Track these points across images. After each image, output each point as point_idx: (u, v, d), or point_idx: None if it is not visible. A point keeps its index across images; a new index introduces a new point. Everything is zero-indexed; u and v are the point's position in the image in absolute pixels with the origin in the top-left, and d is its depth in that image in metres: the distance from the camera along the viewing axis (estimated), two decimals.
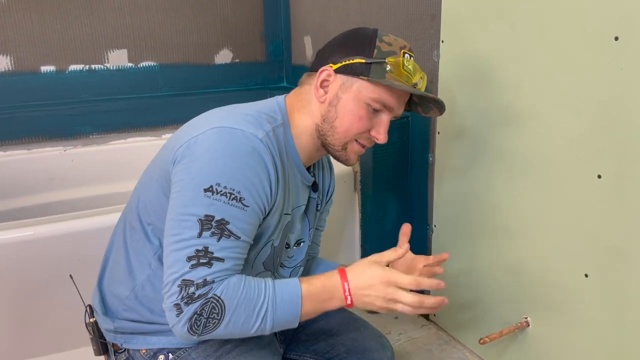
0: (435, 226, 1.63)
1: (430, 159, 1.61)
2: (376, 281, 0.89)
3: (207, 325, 0.83)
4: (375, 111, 0.96)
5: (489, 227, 1.41)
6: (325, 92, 0.96)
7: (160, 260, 0.95)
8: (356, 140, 0.98)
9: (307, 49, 2.25)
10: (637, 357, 1.09)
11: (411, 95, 1.02)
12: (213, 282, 0.83)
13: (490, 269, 1.44)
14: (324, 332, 1.15)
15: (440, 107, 1.02)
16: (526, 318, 1.34)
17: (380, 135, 0.97)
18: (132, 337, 1.01)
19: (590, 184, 1.11)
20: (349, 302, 0.90)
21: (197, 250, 0.83)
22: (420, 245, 1.72)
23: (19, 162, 1.92)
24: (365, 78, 0.93)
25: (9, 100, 1.96)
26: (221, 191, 0.84)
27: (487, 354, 1.51)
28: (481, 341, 1.30)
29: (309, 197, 1.08)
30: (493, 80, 1.32)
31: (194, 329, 0.83)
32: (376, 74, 0.93)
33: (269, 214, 0.93)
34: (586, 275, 1.16)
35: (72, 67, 2.04)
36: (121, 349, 1.02)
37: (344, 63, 0.94)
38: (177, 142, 0.92)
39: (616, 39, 1.02)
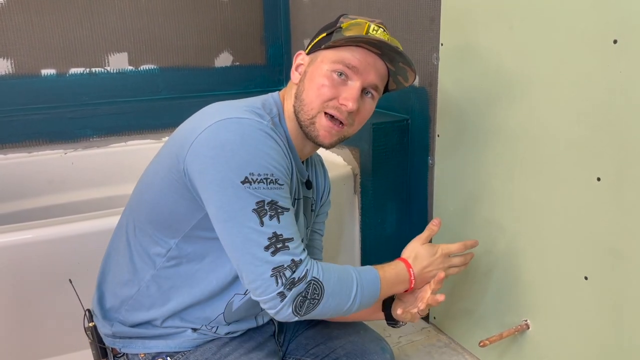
0: None
1: (430, 161, 1.61)
2: (434, 258, 1.07)
3: (309, 306, 0.88)
4: (342, 77, 0.95)
5: (489, 229, 1.41)
6: (300, 74, 1.01)
7: (171, 258, 0.95)
8: (325, 113, 0.96)
9: None
10: (637, 359, 1.09)
11: (388, 69, 1.00)
12: (301, 261, 0.88)
13: (490, 271, 1.44)
14: (324, 335, 1.15)
15: (406, 60, 0.98)
16: (526, 320, 1.34)
17: (348, 102, 0.94)
18: (131, 341, 1.01)
19: (590, 187, 1.12)
20: (412, 285, 1.06)
21: (269, 238, 0.86)
22: None
23: (20, 165, 1.93)
24: (324, 46, 0.97)
25: (9, 103, 1.96)
26: (257, 179, 0.86)
27: (487, 356, 1.50)
28: (481, 344, 1.30)
29: (304, 196, 1.09)
30: (492, 83, 1.32)
31: (297, 310, 0.88)
32: (336, 39, 0.96)
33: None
34: (586, 278, 1.16)
35: (73, 70, 2.05)
36: (120, 353, 1.02)
37: (312, 44, 1.01)
38: (184, 140, 0.90)
39: (615, 41, 1.02)
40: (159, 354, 1.00)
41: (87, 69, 2.07)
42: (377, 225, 1.75)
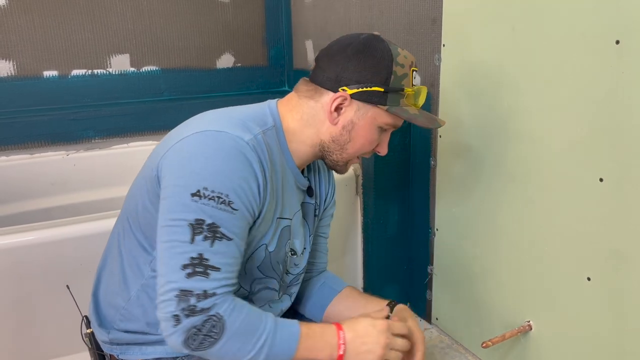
0: (437, 229, 1.63)
1: (432, 162, 1.61)
2: (374, 329, 0.93)
3: (202, 342, 0.81)
4: (384, 130, 0.99)
5: (491, 230, 1.41)
6: (339, 115, 0.95)
7: (154, 269, 0.93)
8: (358, 156, 1.02)
9: (309, 53, 2.26)
10: None
11: None
12: (214, 294, 0.82)
13: (492, 272, 1.43)
14: None
15: (437, 125, 1.03)
16: (529, 321, 1.34)
17: (383, 150, 1.02)
18: (128, 347, 1.00)
19: (592, 188, 1.11)
20: (341, 351, 0.90)
21: (192, 258, 0.81)
22: (422, 248, 1.72)
23: (22, 167, 1.93)
24: (384, 108, 0.94)
25: (11, 105, 1.96)
26: (209, 195, 0.83)
27: (489, 357, 1.50)
28: (484, 345, 1.29)
29: (304, 202, 1.07)
30: (494, 84, 1.32)
31: (189, 342, 0.81)
32: (392, 101, 0.94)
33: (258, 217, 0.92)
34: (589, 279, 1.16)
35: (75, 72, 2.05)
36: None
37: (360, 90, 0.93)
38: (163, 148, 0.91)
39: (617, 42, 1.02)
40: None
41: (89, 71, 2.08)
42: (379, 226, 1.75)
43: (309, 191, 1.08)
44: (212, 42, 2.28)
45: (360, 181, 1.73)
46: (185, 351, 0.83)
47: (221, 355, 0.84)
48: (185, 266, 0.81)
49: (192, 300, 0.80)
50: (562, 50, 1.13)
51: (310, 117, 0.97)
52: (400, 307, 1.08)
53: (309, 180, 1.08)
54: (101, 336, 1.02)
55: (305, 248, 1.09)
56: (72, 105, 2.05)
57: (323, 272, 1.22)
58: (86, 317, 1.07)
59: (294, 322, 0.89)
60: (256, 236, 0.94)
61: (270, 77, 2.43)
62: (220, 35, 2.29)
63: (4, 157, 1.92)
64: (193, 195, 0.83)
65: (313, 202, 1.10)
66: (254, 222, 0.92)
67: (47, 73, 2.01)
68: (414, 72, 0.97)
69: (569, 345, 1.24)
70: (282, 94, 1.00)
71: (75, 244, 1.34)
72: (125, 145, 2.11)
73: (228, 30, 2.31)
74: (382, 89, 0.92)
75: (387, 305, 1.08)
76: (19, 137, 1.95)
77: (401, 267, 1.81)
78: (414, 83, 0.97)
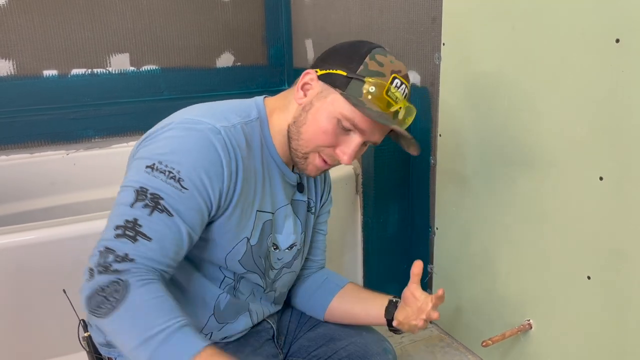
0: (437, 228, 1.63)
1: (432, 161, 1.61)
2: None
3: (100, 305, 0.77)
4: (346, 129, 0.91)
5: (491, 229, 1.41)
6: (305, 95, 0.94)
7: None
8: (319, 154, 0.94)
9: (309, 52, 2.26)
10: None
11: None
12: (132, 260, 0.79)
13: (492, 271, 1.43)
14: (326, 337, 1.14)
15: (415, 146, 0.97)
16: (529, 320, 1.34)
17: (345, 156, 0.92)
18: None
19: (592, 186, 1.11)
20: None
21: (127, 221, 0.81)
22: (422, 247, 1.72)
23: (21, 166, 1.93)
24: (340, 92, 0.89)
25: (11, 104, 1.96)
26: (161, 169, 0.83)
27: (489, 356, 1.50)
28: (484, 344, 1.29)
29: (295, 199, 1.05)
30: (494, 82, 1.32)
31: (90, 300, 0.78)
32: (353, 91, 0.89)
33: (228, 207, 0.90)
34: (589, 277, 1.16)
35: (75, 71, 2.05)
36: None
37: (327, 71, 0.91)
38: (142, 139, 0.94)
39: (617, 41, 1.02)
40: None
41: (89, 70, 2.07)
42: (379, 225, 1.75)
43: (300, 187, 1.06)
44: (212, 41, 2.28)
45: (360, 180, 1.73)
46: (87, 310, 0.79)
47: (112, 329, 0.79)
48: (117, 227, 0.81)
49: (110, 259, 0.79)
50: (562, 48, 1.13)
51: (287, 102, 0.97)
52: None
53: (300, 176, 1.06)
54: (98, 338, 1.01)
55: (295, 244, 1.06)
56: (72, 105, 2.05)
57: (323, 268, 1.21)
58: (83, 320, 1.06)
59: (201, 341, 0.78)
60: (234, 228, 0.93)
61: (270, 76, 2.43)
62: (220, 34, 2.29)
63: (3, 157, 1.92)
64: (147, 167, 0.84)
65: (305, 199, 1.08)
66: (222, 212, 0.90)
67: (47, 72, 2.01)
68: (397, 81, 0.91)
69: (569, 344, 1.24)
70: (294, 85, 1.00)
71: (75, 243, 1.34)
72: (125, 144, 2.11)
73: (228, 29, 2.30)
74: (345, 73, 0.90)
75: (392, 297, 1.09)
76: (18, 137, 1.95)
77: (401, 266, 1.81)
78: (391, 90, 0.90)
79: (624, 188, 1.06)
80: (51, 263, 1.32)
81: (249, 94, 2.53)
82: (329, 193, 1.18)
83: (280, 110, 0.98)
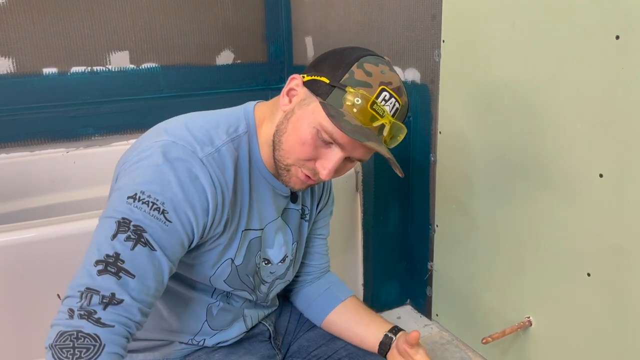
0: (437, 226, 1.63)
1: (432, 158, 1.61)
2: None
3: (63, 350, 0.71)
4: (326, 142, 0.84)
5: (491, 226, 1.41)
6: (290, 102, 0.88)
7: None
8: (301, 169, 0.87)
9: (308, 49, 2.25)
10: None
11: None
12: (120, 303, 0.73)
13: (492, 268, 1.43)
14: (325, 336, 1.13)
15: (398, 168, 0.88)
16: (529, 317, 1.34)
17: (325, 171, 0.85)
18: None
19: (592, 183, 1.11)
20: None
21: (107, 255, 0.75)
22: (422, 245, 1.72)
23: (21, 164, 1.93)
24: (320, 100, 0.83)
25: (11, 102, 1.96)
26: (144, 199, 0.78)
27: (490, 353, 1.50)
28: (484, 341, 1.30)
29: (287, 208, 1.01)
30: (494, 79, 1.32)
31: (58, 339, 0.71)
32: (334, 100, 0.82)
33: (212, 238, 0.87)
34: (588, 274, 1.16)
35: (74, 69, 2.05)
36: None
37: (313, 77, 0.85)
38: (124, 155, 0.89)
39: (617, 37, 1.02)
40: None
41: (89, 68, 2.07)
42: (379, 223, 1.75)
43: (293, 198, 1.01)
44: (212, 39, 2.28)
45: (360, 178, 1.73)
46: (47, 345, 0.73)
47: None
48: (97, 262, 0.75)
49: (95, 300, 0.73)
50: (562, 45, 1.13)
51: (276, 110, 0.91)
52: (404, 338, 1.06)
53: None
54: None
55: (287, 256, 1.02)
56: (72, 103, 2.05)
57: (326, 273, 1.18)
58: None
59: None
60: (218, 254, 0.90)
61: (270, 74, 2.43)
62: (219, 31, 2.29)
63: (3, 155, 1.92)
64: (129, 197, 0.78)
65: (298, 207, 1.03)
66: (205, 242, 0.87)
67: (47, 70, 2.01)
68: (385, 93, 0.82)
69: (569, 341, 1.24)
70: (281, 90, 0.97)
71: (75, 241, 1.34)
72: (125, 142, 2.10)
73: (228, 27, 2.30)
74: (328, 81, 0.83)
75: (389, 331, 1.04)
76: (18, 135, 1.95)
77: (401, 264, 1.82)
78: (376, 102, 0.82)
79: (624, 185, 1.06)
80: (51, 261, 1.32)
81: (249, 92, 2.55)
82: (329, 196, 1.14)
83: (269, 119, 0.92)
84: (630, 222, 1.06)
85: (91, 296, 0.73)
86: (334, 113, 0.80)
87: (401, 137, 0.88)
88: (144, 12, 2.13)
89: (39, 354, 1.37)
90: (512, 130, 1.29)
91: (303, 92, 0.86)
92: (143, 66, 2.17)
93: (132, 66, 2.15)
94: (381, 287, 1.81)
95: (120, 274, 0.75)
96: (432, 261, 1.69)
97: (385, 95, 0.83)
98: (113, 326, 0.73)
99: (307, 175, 0.88)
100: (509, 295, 1.39)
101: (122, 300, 0.74)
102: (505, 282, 1.40)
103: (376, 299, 1.80)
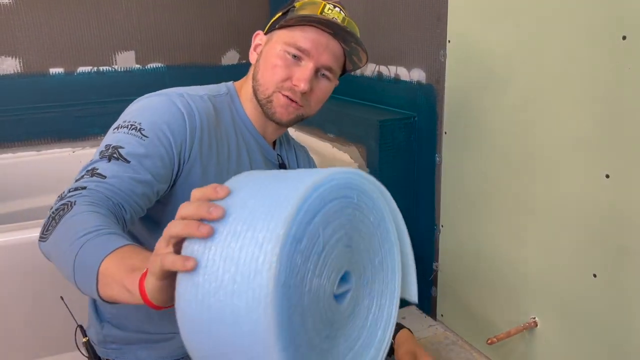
0: (442, 226, 1.63)
1: (437, 159, 1.61)
2: None
3: (48, 228, 0.74)
4: (296, 58, 0.94)
5: (497, 226, 1.41)
6: (257, 54, 1.01)
7: None
8: (280, 93, 0.96)
9: None
10: None
11: (344, 51, 0.98)
12: (85, 188, 0.78)
13: (498, 268, 1.43)
14: None
15: (357, 41, 0.95)
16: (534, 318, 1.33)
17: (300, 83, 0.94)
18: (121, 351, 1.00)
19: (598, 184, 1.11)
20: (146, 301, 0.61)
21: (86, 171, 0.82)
22: (427, 244, 1.72)
23: (28, 164, 1.94)
24: (279, 25, 0.96)
25: (18, 102, 1.98)
26: (124, 125, 0.87)
27: (495, 354, 1.50)
28: (489, 341, 1.29)
29: None
30: (499, 79, 1.31)
31: (42, 229, 0.76)
32: (289, 18, 0.95)
33: (187, 161, 0.90)
34: (595, 275, 1.16)
35: (81, 69, 2.06)
36: None
37: (269, 24, 1.00)
38: None
39: (624, 38, 1.01)
40: None
41: (95, 68, 2.08)
42: None
43: (282, 166, 1.09)
44: (217, 39, 2.29)
45: None
46: (40, 239, 0.76)
47: (52, 250, 0.74)
48: (76, 179, 0.82)
49: (65, 191, 0.79)
50: (568, 45, 1.13)
51: (250, 73, 1.03)
52: (405, 336, 1.06)
53: (281, 156, 1.10)
54: (97, 335, 1.02)
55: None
56: (78, 102, 2.07)
57: None
58: (81, 326, 1.06)
59: (126, 241, 0.68)
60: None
61: None
62: (225, 31, 2.29)
63: (10, 154, 1.93)
64: (114, 129, 0.88)
65: None
66: (183, 168, 0.91)
67: (53, 70, 2.02)
68: (329, 5, 0.95)
69: (575, 341, 1.23)
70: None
71: None
72: None
73: (233, 27, 2.31)
74: (280, 13, 0.99)
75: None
76: (25, 134, 1.96)
77: None
78: (324, 10, 0.94)
79: (631, 186, 1.05)
80: None
81: None
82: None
83: (246, 81, 1.04)
84: (637, 223, 1.05)
85: (63, 192, 0.79)
86: (294, 17, 0.93)
87: (354, 26, 0.97)
88: (150, 12, 2.13)
89: (42, 352, 1.38)
90: (517, 131, 1.29)
91: (265, 38, 1.01)
92: (149, 66, 2.18)
93: (138, 66, 2.16)
94: None
95: (93, 177, 0.81)
96: (437, 261, 1.69)
97: (330, 6, 0.95)
98: (79, 193, 0.77)
99: (287, 97, 0.95)
100: (514, 296, 1.39)
101: (85, 187, 0.78)
102: (510, 282, 1.40)
103: None
